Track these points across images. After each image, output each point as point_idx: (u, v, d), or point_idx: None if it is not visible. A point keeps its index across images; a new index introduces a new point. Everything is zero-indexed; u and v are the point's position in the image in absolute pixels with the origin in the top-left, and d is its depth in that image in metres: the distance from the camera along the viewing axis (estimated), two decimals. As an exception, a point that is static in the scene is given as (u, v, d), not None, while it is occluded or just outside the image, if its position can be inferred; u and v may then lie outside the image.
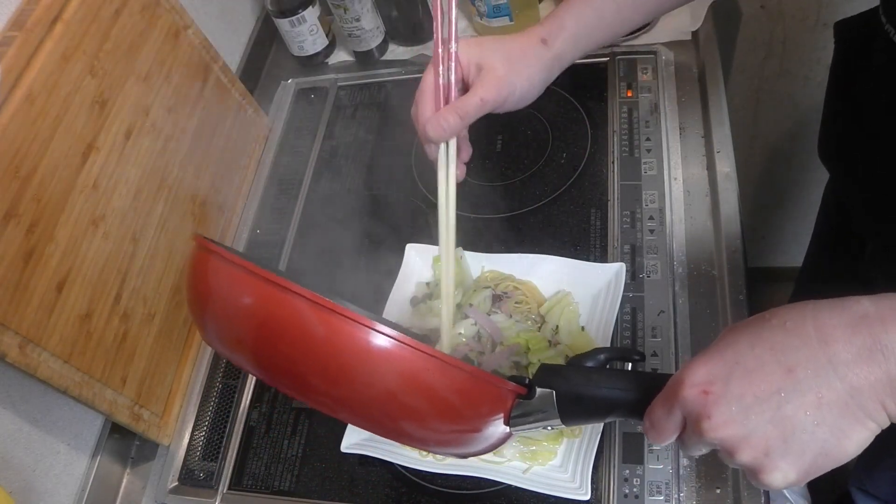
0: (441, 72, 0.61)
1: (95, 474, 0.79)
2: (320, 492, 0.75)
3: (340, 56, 1.12)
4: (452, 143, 0.63)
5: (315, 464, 0.77)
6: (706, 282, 0.77)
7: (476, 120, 0.62)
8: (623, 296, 0.74)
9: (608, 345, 0.72)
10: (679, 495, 0.65)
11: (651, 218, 0.81)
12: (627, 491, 0.66)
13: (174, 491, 0.79)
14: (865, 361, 0.38)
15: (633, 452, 0.68)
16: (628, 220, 0.82)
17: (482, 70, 0.61)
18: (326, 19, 1.08)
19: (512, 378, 0.50)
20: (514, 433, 0.52)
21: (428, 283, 0.82)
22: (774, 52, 1.20)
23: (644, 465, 0.67)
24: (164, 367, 0.83)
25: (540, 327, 0.75)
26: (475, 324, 0.74)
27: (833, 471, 0.41)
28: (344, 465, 0.75)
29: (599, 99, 0.94)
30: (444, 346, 0.65)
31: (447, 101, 0.62)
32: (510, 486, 0.68)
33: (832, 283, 0.90)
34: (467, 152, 0.66)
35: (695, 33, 0.95)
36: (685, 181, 0.84)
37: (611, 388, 0.48)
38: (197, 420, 0.83)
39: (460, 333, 0.74)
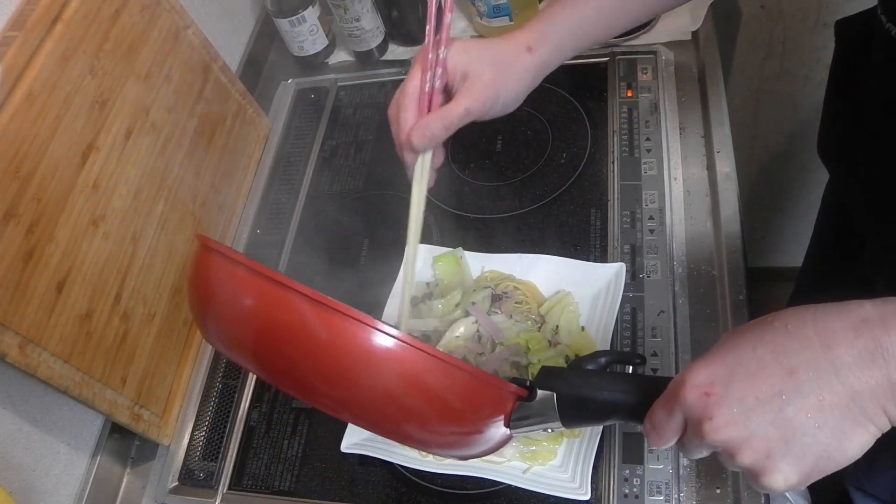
0: (427, 78, 0.60)
1: (95, 474, 0.79)
2: (320, 492, 0.75)
3: (340, 56, 1.12)
4: (429, 152, 0.62)
5: (315, 464, 0.77)
6: (706, 282, 0.77)
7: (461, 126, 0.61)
8: (623, 296, 0.74)
9: (608, 345, 0.72)
10: (679, 495, 0.65)
11: (651, 218, 0.81)
12: (627, 491, 0.66)
13: (174, 491, 0.79)
14: (867, 365, 0.38)
15: (633, 452, 0.68)
16: (628, 220, 0.82)
17: (468, 78, 0.60)
18: (326, 19, 1.08)
19: (513, 380, 0.50)
20: (514, 435, 0.52)
21: (428, 283, 0.82)
22: (774, 52, 1.20)
23: (644, 465, 0.67)
24: (164, 367, 0.83)
25: (540, 327, 0.75)
26: (475, 322, 0.74)
27: (833, 470, 0.41)
28: (344, 465, 0.75)
29: (599, 99, 0.94)
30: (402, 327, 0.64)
31: (430, 107, 0.60)
32: (510, 486, 0.68)
33: (832, 284, 0.91)
34: (440, 158, 0.64)
35: (695, 33, 0.95)
36: (685, 181, 0.84)
37: (611, 391, 0.48)
38: (197, 420, 0.83)
39: (458, 336, 0.74)
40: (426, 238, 0.86)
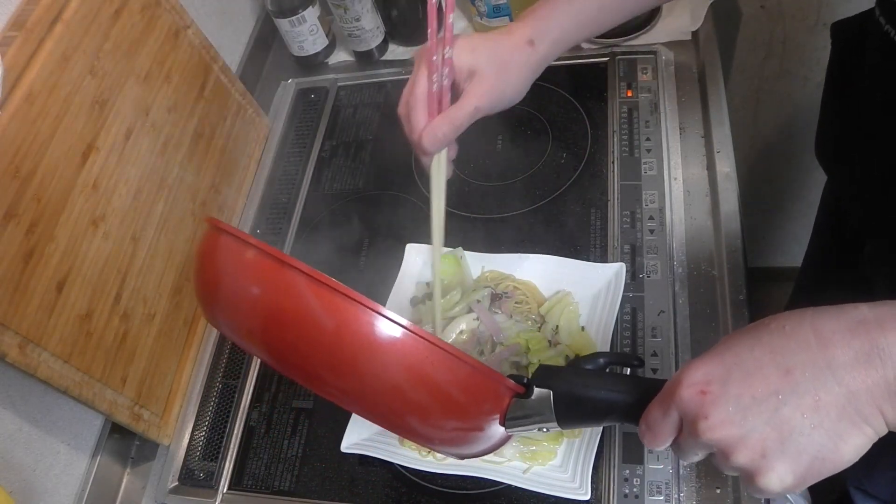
0: (435, 78, 0.61)
1: (95, 474, 0.79)
2: (320, 492, 0.75)
3: (340, 56, 1.12)
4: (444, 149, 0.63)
5: (315, 464, 0.77)
6: (706, 282, 0.77)
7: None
8: (623, 296, 0.74)
9: (608, 345, 0.72)
10: (679, 495, 0.65)
11: (651, 218, 0.81)
12: (627, 491, 0.66)
13: (174, 491, 0.79)
14: (863, 365, 0.38)
15: (633, 452, 0.68)
16: (628, 220, 0.82)
17: (474, 76, 0.61)
18: (326, 19, 1.08)
19: (510, 376, 0.50)
20: (508, 432, 0.51)
21: (428, 283, 0.82)
22: (774, 52, 1.20)
23: (644, 465, 0.67)
24: (164, 367, 0.83)
25: (540, 327, 0.75)
26: (477, 318, 0.74)
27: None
28: (344, 465, 0.75)
29: (599, 99, 0.94)
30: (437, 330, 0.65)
31: (440, 107, 0.62)
32: (510, 486, 0.68)
33: (831, 284, 0.91)
34: (454, 150, 0.66)
35: (695, 33, 0.95)
36: (685, 181, 0.84)
37: (608, 391, 0.48)
38: (197, 420, 0.83)
39: (461, 330, 0.74)
40: (426, 238, 0.86)
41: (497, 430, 0.50)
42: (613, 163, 0.87)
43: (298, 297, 0.43)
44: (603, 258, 0.80)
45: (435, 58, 0.60)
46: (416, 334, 0.43)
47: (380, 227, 0.92)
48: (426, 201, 0.92)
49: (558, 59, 0.68)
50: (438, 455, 0.70)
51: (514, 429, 0.51)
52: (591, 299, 0.76)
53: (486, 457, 0.67)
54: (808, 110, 1.27)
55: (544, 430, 0.51)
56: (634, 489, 0.66)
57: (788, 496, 0.80)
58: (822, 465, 0.39)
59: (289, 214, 0.97)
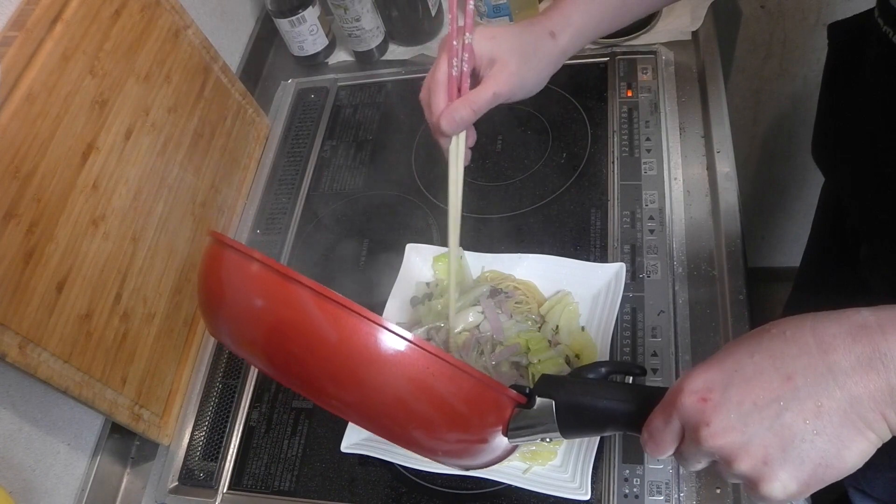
0: (455, 63, 0.62)
1: (95, 474, 0.79)
2: (320, 492, 0.75)
3: (340, 56, 1.12)
4: (462, 133, 0.64)
5: (315, 464, 0.77)
6: (706, 282, 0.77)
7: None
8: (623, 296, 0.74)
9: (608, 345, 0.72)
10: (679, 495, 0.65)
11: (651, 218, 0.81)
12: (627, 491, 0.66)
13: (174, 491, 0.79)
14: (865, 370, 0.37)
15: (633, 452, 0.68)
16: (628, 220, 0.82)
17: (495, 64, 0.62)
18: (326, 19, 1.08)
19: (512, 387, 0.50)
20: (511, 443, 0.51)
21: (428, 283, 0.82)
22: (774, 52, 1.20)
23: (644, 465, 0.67)
24: (164, 367, 0.83)
25: (540, 327, 0.75)
26: (482, 312, 0.74)
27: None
28: (344, 465, 0.75)
29: (599, 99, 0.94)
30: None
31: (459, 91, 0.62)
32: (510, 486, 0.68)
33: (829, 285, 0.90)
34: (473, 137, 0.67)
35: (695, 33, 0.95)
36: (685, 181, 0.84)
37: (610, 400, 0.48)
38: (197, 420, 0.83)
39: (471, 320, 0.74)
40: (426, 238, 0.86)
41: (500, 441, 0.50)
42: (613, 163, 0.87)
43: (301, 310, 0.43)
44: (603, 258, 0.80)
45: (455, 42, 0.61)
46: (417, 346, 0.43)
47: (380, 226, 0.92)
48: (426, 201, 0.92)
49: (560, 60, 0.68)
50: (440, 463, 0.70)
51: (517, 439, 0.51)
52: (591, 299, 0.76)
53: (486, 457, 0.67)
54: (807, 110, 1.27)
55: (547, 440, 0.50)
56: (634, 489, 0.66)
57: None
58: (825, 471, 0.39)
59: (289, 214, 0.97)
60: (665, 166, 0.84)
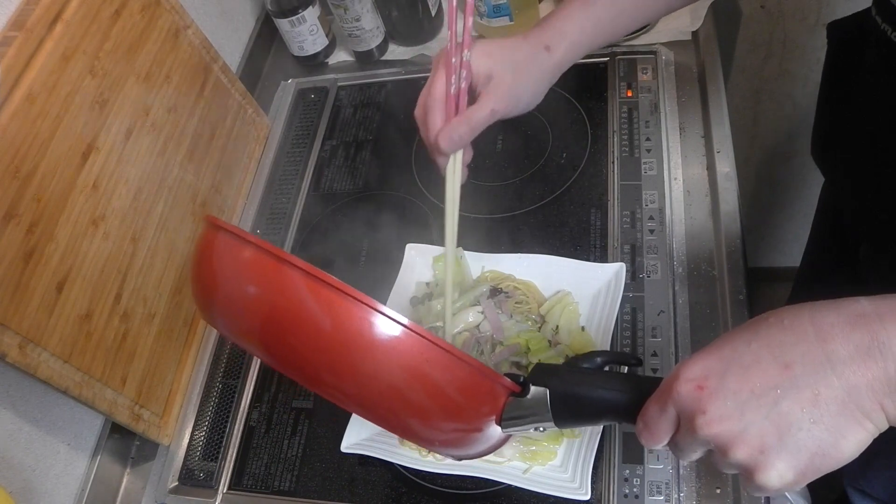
0: (452, 80, 0.61)
1: (95, 474, 0.79)
2: (320, 492, 0.75)
3: (340, 56, 1.12)
4: (459, 151, 0.64)
5: (315, 464, 0.77)
6: (706, 282, 0.77)
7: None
8: (623, 296, 0.74)
9: (608, 345, 0.72)
10: (679, 495, 0.65)
11: (651, 218, 0.81)
12: (627, 491, 0.66)
13: (174, 491, 0.79)
14: (863, 359, 0.37)
15: (633, 452, 0.68)
16: (628, 220, 0.82)
17: (491, 80, 0.62)
18: (326, 19, 1.08)
19: (507, 375, 0.50)
20: (505, 432, 0.51)
21: (428, 283, 0.82)
22: (774, 52, 1.20)
23: (644, 465, 0.67)
24: (164, 367, 0.83)
25: (540, 327, 0.75)
26: (482, 312, 0.74)
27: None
28: (344, 465, 0.75)
29: (599, 99, 0.94)
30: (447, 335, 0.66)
31: (457, 109, 0.62)
32: (510, 486, 0.68)
33: (829, 284, 0.91)
34: (469, 155, 0.67)
35: (695, 33, 0.95)
36: (685, 181, 0.84)
37: (605, 390, 0.48)
38: (197, 420, 0.83)
39: (463, 328, 0.74)
40: (426, 238, 0.86)
41: (494, 430, 0.50)
42: (613, 163, 0.87)
43: (295, 293, 0.43)
44: (603, 258, 0.80)
45: (454, 60, 0.61)
46: (413, 331, 0.43)
47: (380, 227, 0.92)
48: (426, 201, 0.92)
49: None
50: (438, 455, 0.70)
51: (511, 428, 0.50)
52: (591, 299, 0.76)
53: (486, 457, 0.67)
54: (808, 110, 1.27)
55: (541, 429, 0.50)
56: (634, 489, 0.66)
57: (788, 496, 0.80)
58: (822, 460, 0.39)
59: (289, 214, 0.97)
60: (665, 166, 0.84)
